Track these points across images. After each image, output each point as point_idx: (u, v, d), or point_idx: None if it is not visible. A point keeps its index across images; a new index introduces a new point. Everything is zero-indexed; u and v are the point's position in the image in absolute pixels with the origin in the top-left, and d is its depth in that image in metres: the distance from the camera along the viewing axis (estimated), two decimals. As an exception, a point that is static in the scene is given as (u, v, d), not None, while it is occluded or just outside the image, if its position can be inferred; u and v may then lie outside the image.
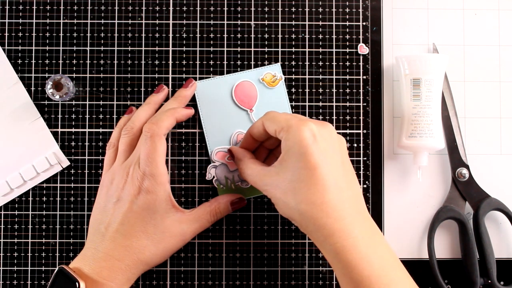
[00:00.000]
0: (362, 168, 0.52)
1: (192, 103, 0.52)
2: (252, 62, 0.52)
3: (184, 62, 0.52)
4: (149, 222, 0.45)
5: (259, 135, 0.46)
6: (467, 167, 0.51)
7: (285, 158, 0.41)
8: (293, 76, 0.52)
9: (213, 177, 0.51)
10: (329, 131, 0.42)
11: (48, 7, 0.52)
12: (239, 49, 0.52)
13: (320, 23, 0.53)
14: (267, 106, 0.52)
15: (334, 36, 0.53)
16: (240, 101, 0.51)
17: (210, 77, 0.52)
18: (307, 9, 0.53)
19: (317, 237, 0.40)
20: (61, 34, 0.52)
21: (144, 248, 0.45)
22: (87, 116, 0.52)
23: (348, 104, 0.52)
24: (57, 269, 0.43)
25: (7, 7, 0.52)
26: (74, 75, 0.52)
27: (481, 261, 0.50)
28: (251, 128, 0.46)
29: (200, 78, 0.52)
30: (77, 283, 0.42)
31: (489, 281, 0.50)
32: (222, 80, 0.52)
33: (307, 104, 0.52)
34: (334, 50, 0.53)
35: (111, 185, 0.47)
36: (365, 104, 0.53)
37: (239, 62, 0.52)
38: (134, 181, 0.45)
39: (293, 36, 0.53)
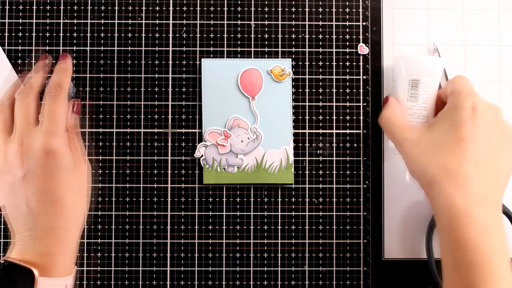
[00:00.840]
0: (362, 168, 0.52)
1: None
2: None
3: (184, 62, 0.52)
4: (69, 181, 0.43)
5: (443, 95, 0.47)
6: None
7: (439, 120, 0.43)
8: (293, 76, 0.52)
9: (202, 155, 0.51)
10: (494, 113, 0.43)
11: (48, 7, 0.52)
12: (239, 49, 0.52)
13: (320, 23, 0.53)
14: (269, 98, 0.52)
15: (334, 36, 0.53)
16: (245, 87, 0.51)
17: (220, 57, 0.52)
18: (307, 9, 0.53)
19: (437, 203, 0.40)
20: (61, 34, 0.52)
21: (75, 204, 0.43)
22: (87, 116, 0.52)
23: (348, 104, 0.52)
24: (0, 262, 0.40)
25: (7, 7, 0.52)
26: (74, 75, 0.52)
27: None
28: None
29: (200, 78, 0.52)
30: (30, 272, 0.39)
31: None
32: (231, 62, 0.52)
33: (307, 104, 0.52)
34: (334, 50, 0.53)
35: (7, 163, 0.43)
36: (365, 104, 0.53)
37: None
38: (33, 147, 0.43)
39: (293, 36, 0.53)
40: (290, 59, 0.52)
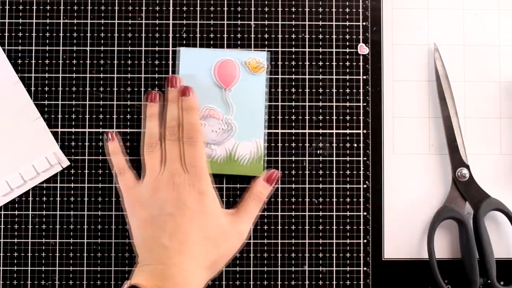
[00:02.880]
0: (362, 168, 0.52)
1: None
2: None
3: (184, 62, 0.52)
4: (208, 226, 0.44)
5: None
6: (467, 167, 0.51)
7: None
8: (293, 76, 0.52)
9: None
10: None
11: (48, 7, 0.52)
12: (239, 49, 0.52)
13: (320, 23, 0.53)
14: (244, 90, 0.51)
15: (334, 36, 0.53)
16: (220, 78, 0.51)
17: (197, 48, 0.52)
18: (307, 9, 0.53)
19: None
20: (61, 34, 0.52)
21: (208, 254, 0.44)
22: (87, 116, 0.52)
23: (348, 104, 0.52)
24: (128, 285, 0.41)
25: (7, 7, 0.52)
26: (74, 75, 0.52)
27: (480, 261, 0.50)
28: None
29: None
30: None
31: (489, 281, 0.50)
32: (208, 53, 0.52)
33: (307, 104, 0.52)
34: (334, 50, 0.53)
35: (154, 197, 0.45)
36: (365, 104, 0.53)
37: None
38: (186, 187, 0.45)
39: (293, 36, 0.53)
40: (266, 52, 0.52)
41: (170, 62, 0.52)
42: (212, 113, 0.51)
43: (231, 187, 0.52)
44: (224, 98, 0.51)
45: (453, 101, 0.52)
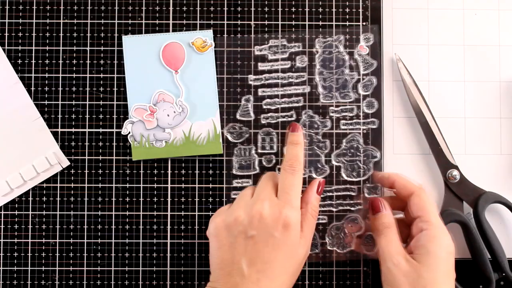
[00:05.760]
0: (361, 167, 0.52)
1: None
2: (252, 62, 0.52)
3: (184, 62, 0.52)
4: (288, 259, 0.43)
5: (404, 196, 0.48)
6: (456, 167, 0.51)
7: (431, 261, 0.44)
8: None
9: (129, 132, 0.51)
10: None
11: (48, 7, 0.52)
12: (239, 49, 0.52)
13: (320, 23, 0.53)
14: (193, 71, 0.52)
15: (334, 36, 0.53)
16: (167, 61, 0.51)
17: (140, 34, 0.52)
18: (307, 9, 0.53)
19: None
20: (61, 34, 0.52)
21: (282, 284, 0.43)
22: (87, 116, 0.52)
23: (348, 103, 0.52)
24: None
25: (7, 7, 0.52)
26: (74, 75, 0.52)
27: (491, 256, 0.49)
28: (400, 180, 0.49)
29: (200, 78, 0.52)
30: None
31: (503, 274, 0.49)
32: (152, 38, 0.52)
33: (307, 104, 0.52)
34: (334, 50, 0.53)
35: (239, 221, 0.44)
36: (365, 104, 0.53)
37: (239, 62, 0.52)
38: (275, 214, 0.43)
39: (293, 36, 0.53)
40: (211, 31, 0.52)
41: (170, 62, 0.52)
42: (164, 97, 0.51)
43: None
44: (173, 81, 0.51)
45: (426, 106, 0.51)
